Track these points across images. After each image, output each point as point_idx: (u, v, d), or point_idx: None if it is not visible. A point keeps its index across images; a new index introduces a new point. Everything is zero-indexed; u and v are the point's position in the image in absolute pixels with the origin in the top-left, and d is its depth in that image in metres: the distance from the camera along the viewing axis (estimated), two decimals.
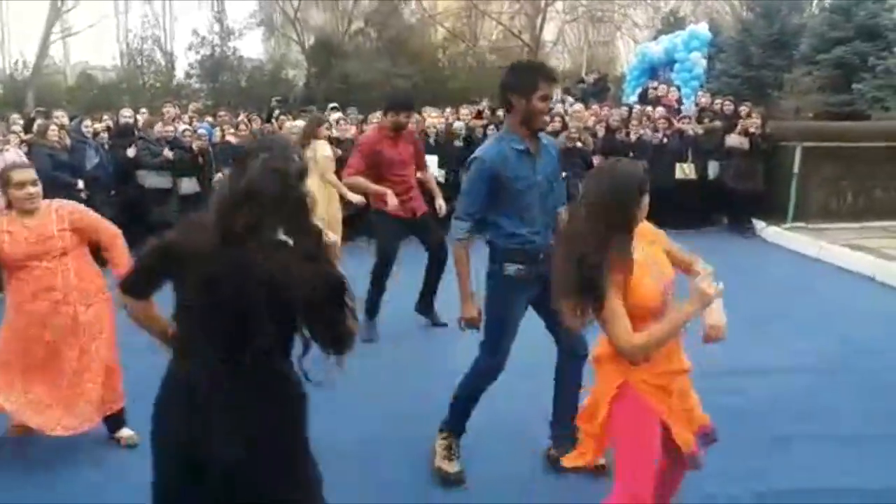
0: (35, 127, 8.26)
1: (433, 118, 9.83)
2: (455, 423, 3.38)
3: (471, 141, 9.28)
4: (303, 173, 1.95)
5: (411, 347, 5.33)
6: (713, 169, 9.67)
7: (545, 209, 3.22)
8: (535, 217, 3.16)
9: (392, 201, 5.05)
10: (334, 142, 9.08)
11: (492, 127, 9.77)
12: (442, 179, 8.47)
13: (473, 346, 3.34)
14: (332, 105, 11.23)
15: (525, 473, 3.37)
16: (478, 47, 24.18)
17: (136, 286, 2.10)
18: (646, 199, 2.29)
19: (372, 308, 5.36)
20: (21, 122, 8.89)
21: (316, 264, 1.88)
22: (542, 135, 3.24)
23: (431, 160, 7.73)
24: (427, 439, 3.45)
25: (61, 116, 8.75)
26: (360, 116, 10.44)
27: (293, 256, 1.88)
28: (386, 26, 22.47)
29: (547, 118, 3.94)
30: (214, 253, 1.86)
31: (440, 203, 5.53)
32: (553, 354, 3.37)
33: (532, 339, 3.38)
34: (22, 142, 7.80)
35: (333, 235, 2.29)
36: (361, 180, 5.17)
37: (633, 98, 13.69)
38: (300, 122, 9.69)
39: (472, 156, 3.15)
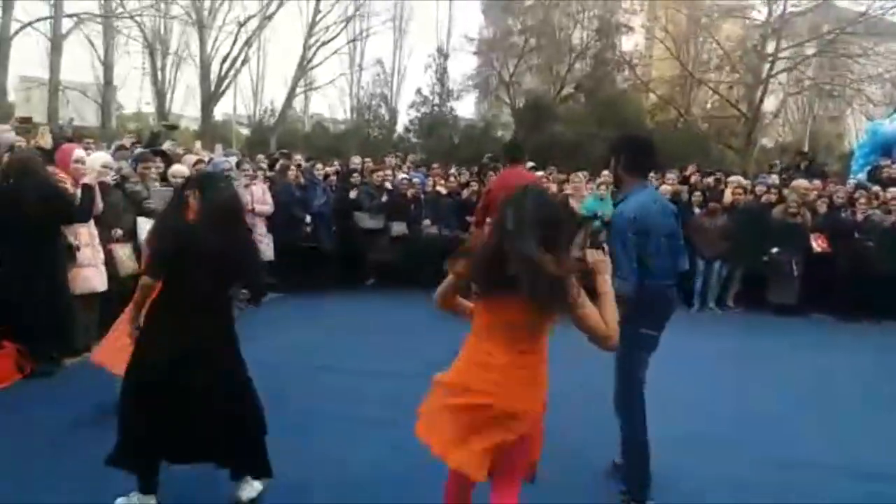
0: (278, 166, 9.43)
1: None
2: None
3: (676, 203, 9.14)
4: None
5: None
6: None
7: None
8: None
9: None
10: None
11: (697, 193, 9.56)
12: None
13: None
14: (531, 165, 11.57)
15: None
16: (689, 115, 23.62)
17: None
18: None
19: None
20: (266, 161, 10.19)
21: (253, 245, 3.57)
22: None
23: None
24: None
25: (299, 159, 9.92)
26: (562, 176, 10.64)
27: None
28: (596, 92, 22.76)
29: None
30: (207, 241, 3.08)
31: None
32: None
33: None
34: (266, 178, 8.92)
35: None
36: None
37: (862, 176, 12.62)
38: None
39: None
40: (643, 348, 3.44)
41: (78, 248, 5.44)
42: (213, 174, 4.53)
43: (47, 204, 4.97)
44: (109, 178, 5.86)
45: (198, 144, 11.24)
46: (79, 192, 5.21)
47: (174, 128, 12.35)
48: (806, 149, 20.98)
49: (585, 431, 4.17)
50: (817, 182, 10.32)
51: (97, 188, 5.40)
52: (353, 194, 9.36)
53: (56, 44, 21.80)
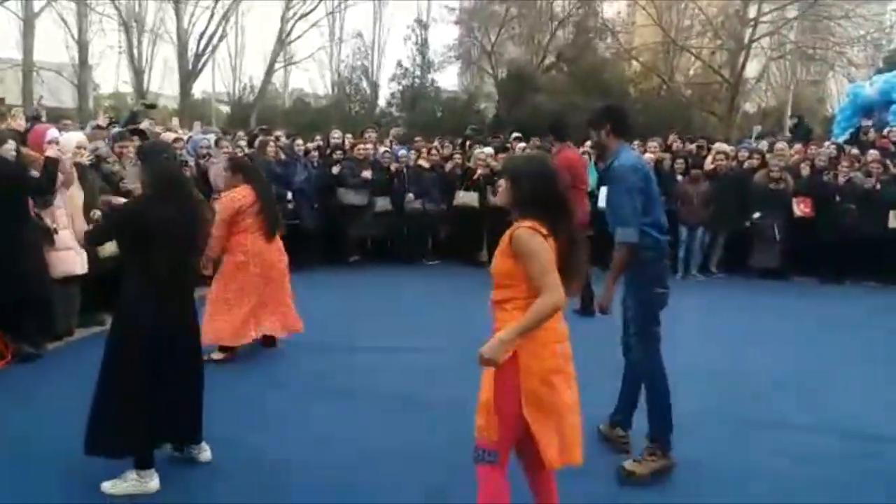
0: (257, 142, 9.32)
1: None
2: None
3: (658, 173, 9.16)
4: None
5: None
6: None
7: None
8: None
9: None
10: None
11: (679, 160, 9.56)
12: None
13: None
14: (515, 135, 11.52)
15: None
16: (673, 82, 23.54)
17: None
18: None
19: None
20: (246, 138, 10.07)
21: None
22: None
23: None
24: None
25: (280, 135, 9.81)
26: (546, 145, 10.60)
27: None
28: (579, 60, 22.62)
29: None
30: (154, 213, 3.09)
31: None
32: None
33: None
34: (245, 154, 8.81)
35: None
36: None
37: (843, 139, 12.66)
38: (488, 150, 10.12)
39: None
40: (660, 306, 3.52)
41: (56, 231, 5.38)
42: (155, 145, 4.35)
43: (9, 181, 4.88)
44: (85, 158, 5.77)
45: (175, 122, 11.09)
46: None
47: (152, 106, 12.17)
48: (790, 113, 21.03)
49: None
50: (798, 146, 10.35)
51: (65, 163, 5.29)
52: (335, 170, 9.28)
53: (28, 23, 21.34)
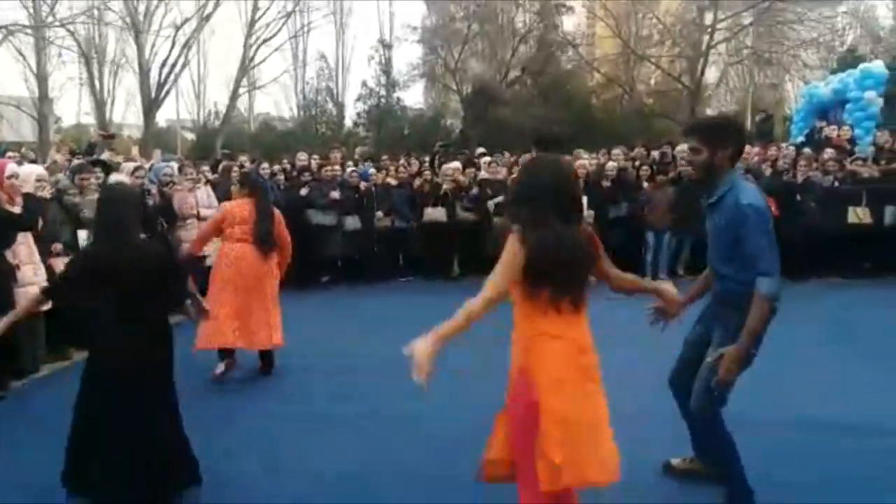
0: (220, 167, 9.27)
1: (584, 160, 9.89)
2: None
3: (624, 181, 9.33)
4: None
5: None
6: (891, 215, 8.90)
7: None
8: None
9: None
10: (486, 183, 9.45)
11: (644, 167, 9.69)
12: (591, 220, 8.49)
13: None
14: (479, 150, 11.63)
15: None
16: (635, 92, 23.94)
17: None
18: None
19: None
20: (208, 167, 10.02)
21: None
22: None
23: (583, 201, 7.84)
24: None
25: (243, 161, 9.77)
26: (512, 159, 10.71)
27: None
28: (542, 74, 22.92)
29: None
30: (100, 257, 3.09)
31: None
32: None
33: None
34: (207, 182, 8.76)
35: None
36: None
37: (801, 139, 12.97)
38: (455, 164, 10.18)
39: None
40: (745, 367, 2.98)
41: (18, 267, 5.29)
42: (107, 189, 4.34)
43: None
44: (46, 191, 5.71)
45: (135, 150, 11.00)
46: (17, 206, 5.07)
47: (111, 137, 12.04)
48: (749, 117, 21.48)
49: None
50: (757, 148, 10.55)
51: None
52: (303, 192, 9.26)
53: None
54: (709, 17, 23.41)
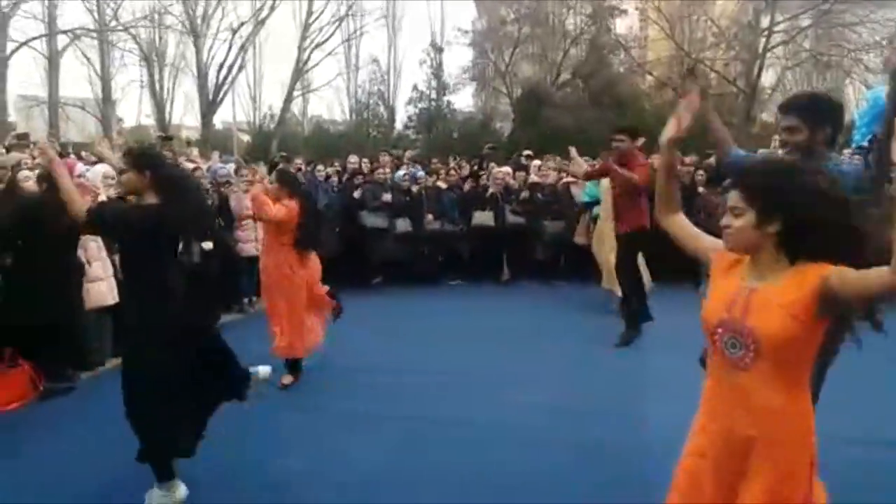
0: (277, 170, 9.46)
1: None
2: None
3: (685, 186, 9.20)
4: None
5: None
6: None
7: None
8: None
9: None
10: (536, 187, 9.44)
11: (700, 171, 9.54)
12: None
13: None
14: (526, 153, 11.59)
15: None
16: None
17: None
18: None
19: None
20: (265, 167, 10.22)
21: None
22: None
23: None
24: None
25: (299, 163, 9.97)
26: (565, 163, 10.65)
27: None
28: (593, 76, 22.71)
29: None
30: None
31: None
32: None
33: None
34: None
35: None
36: None
37: (864, 144, 12.56)
38: (505, 168, 10.20)
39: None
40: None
41: (88, 263, 5.51)
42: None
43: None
44: (113, 190, 5.93)
45: (194, 151, 11.29)
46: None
47: (169, 139, 12.41)
48: None
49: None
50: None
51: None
52: (356, 194, 9.40)
53: (53, 61, 21.91)
54: (765, 20, 22.84)
